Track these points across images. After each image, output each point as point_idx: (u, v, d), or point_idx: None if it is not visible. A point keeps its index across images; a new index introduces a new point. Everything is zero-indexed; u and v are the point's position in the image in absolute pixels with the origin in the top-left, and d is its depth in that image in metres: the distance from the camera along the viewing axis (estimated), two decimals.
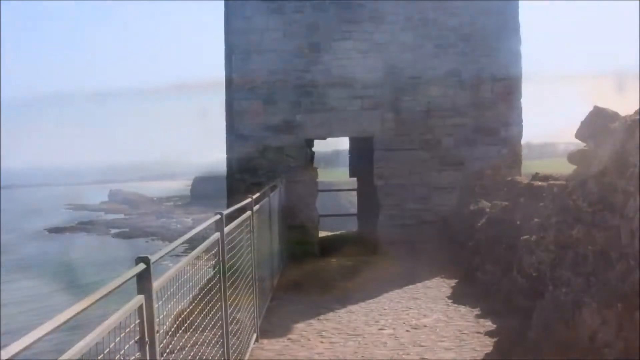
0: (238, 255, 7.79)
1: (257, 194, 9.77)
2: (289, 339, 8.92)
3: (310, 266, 14.22)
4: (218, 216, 6.03)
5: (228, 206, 9.54)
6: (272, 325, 9.59)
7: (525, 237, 9.01)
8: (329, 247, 16.64)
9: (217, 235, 6.00)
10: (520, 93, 15.94)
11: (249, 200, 8.63)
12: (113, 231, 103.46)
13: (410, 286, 11.99)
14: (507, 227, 10.85)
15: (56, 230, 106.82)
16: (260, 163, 15.54)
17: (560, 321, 7.40)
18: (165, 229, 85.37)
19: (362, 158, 17.82)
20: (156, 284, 3.75)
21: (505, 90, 15.83)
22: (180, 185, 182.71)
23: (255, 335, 8.61)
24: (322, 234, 19.47)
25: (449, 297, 10.96)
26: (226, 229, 6.30)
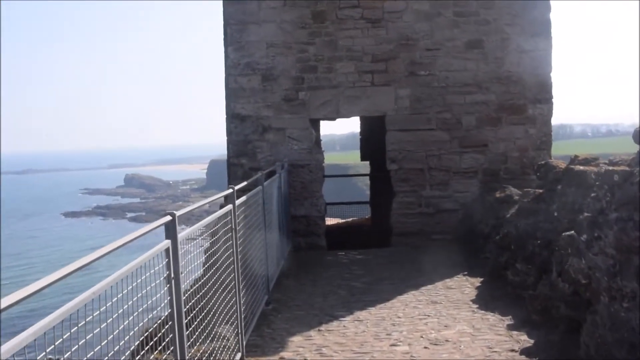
0: (213, 259, 6.30)
1: (243, 183, 8.22)
2: (281, 358, 7.39)
3: (315, 261, 12.75)
4: (168, 218, 4.46)
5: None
6: (264, 338, 8.08)
7: (568, 233, 7.38)
8: (338, 237, 15.12)
9: (166, 243, 4.44)
10: (551, 66, 14.20)
11: (229, 191, 7.07)
12: (129, 215, 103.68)
13: (429, 286, 10.41)
14: (542, 220, 9.23)
15: (72, 214, 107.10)
16: (260, 146, 13.96)
17: (622, 344, 5.82)
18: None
19: (374, 140, 16.21)
20: (7, 347, 2.18)
21: (533, 63, 14.09)
22: (197, 169, 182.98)
23: (239, 354, 7.08)
24: (331, 221, 18.01)
25: (473, 302, 9.36)
26: (182, 235, 4.73)
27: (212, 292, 6.19)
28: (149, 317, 4.27)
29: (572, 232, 7.30)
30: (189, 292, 5.25)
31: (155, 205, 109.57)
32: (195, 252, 5.55)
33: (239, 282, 7.12)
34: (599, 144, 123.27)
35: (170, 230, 4.50)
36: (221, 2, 14.20)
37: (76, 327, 3.06)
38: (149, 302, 4.17)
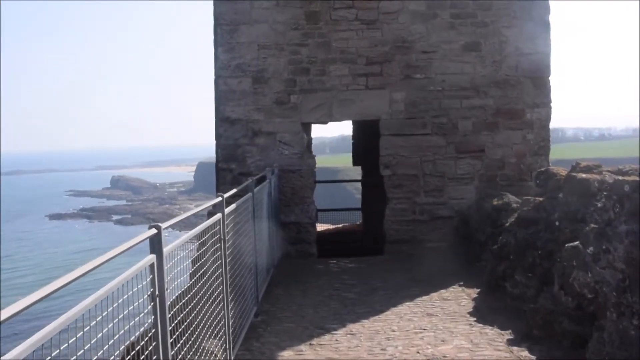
0: (202, 271, 5.94)
1: (232, 190, 7.86)
2: None
3: (306, 270, 12.36)
4: (154, 231, 4.09)
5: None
6: (253, 352, 7.70)
7: (573, 244, 7.06)
8: (329, 244, 14.75)
9: (150, 258, 4.07)
10: (549, 69, 13.90)
11: (219, 199, 6.70)
12: (115, 218, 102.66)
13: (424, 297, 10.06)
14: (542, 229, 8.92)
15: (57, 217, 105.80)
16: (250, 150, 13.57)
17: None
18: (167, 216, 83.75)
19: (367, 144, 15.85)
20: None
21: (531, 67, 13.79)
22: (184, 171, 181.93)
23: None
24: (322, 227, 17.66)
25: (471, 314, 9.02)
26: (167, 248, 4.36)
27: (199, 305, 5.84)
28: (134, 336, 3.94)
29: (577, 243, 6.98)
30: (176, 308, 4.89)
31: (141, 208, 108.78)
32: (183, 265, 5.20)
33: (227, 294, 6.75)
34: (593, 147, 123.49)
35: (155, 245, 4.13)
36: (212, 1, 13.82)
37: (58, 350, 2.76)
38: (131, 322, 3.82)
